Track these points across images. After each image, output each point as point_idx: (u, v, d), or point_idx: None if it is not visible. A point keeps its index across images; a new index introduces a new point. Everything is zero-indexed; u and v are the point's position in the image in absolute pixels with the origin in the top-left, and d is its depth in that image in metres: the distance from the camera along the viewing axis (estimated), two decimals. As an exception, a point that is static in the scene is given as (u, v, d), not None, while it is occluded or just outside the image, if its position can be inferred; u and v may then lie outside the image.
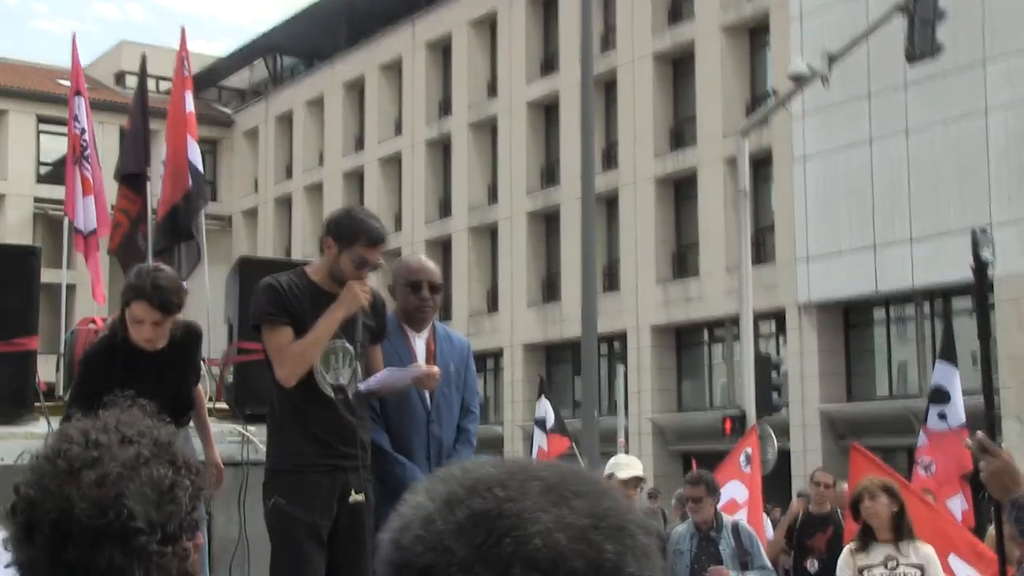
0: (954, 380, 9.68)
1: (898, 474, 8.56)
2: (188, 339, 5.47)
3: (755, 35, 32.00)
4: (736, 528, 7.80)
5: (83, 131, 9.14)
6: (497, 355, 37.35)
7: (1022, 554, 4.83)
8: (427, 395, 5.67)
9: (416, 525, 1.21)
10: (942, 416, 9.67)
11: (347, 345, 5.16)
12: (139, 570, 1.67)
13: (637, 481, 7.20)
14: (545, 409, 14.92)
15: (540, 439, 14.78)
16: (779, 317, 29.72)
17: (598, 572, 1.16)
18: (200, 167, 8.70)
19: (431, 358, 5.71)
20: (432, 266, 5.94)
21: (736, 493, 10.49)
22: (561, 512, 1.18)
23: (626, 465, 7.42)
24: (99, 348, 5.40)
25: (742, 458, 11.09)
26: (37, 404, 6.52)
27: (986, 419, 4.99)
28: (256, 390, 6.28)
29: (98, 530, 1.64)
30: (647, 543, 1.21)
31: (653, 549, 1.22)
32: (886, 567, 6.99)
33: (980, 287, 4.77)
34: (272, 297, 5.10)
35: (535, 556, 1.15)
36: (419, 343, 5.75)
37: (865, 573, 7.03)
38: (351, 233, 5.12)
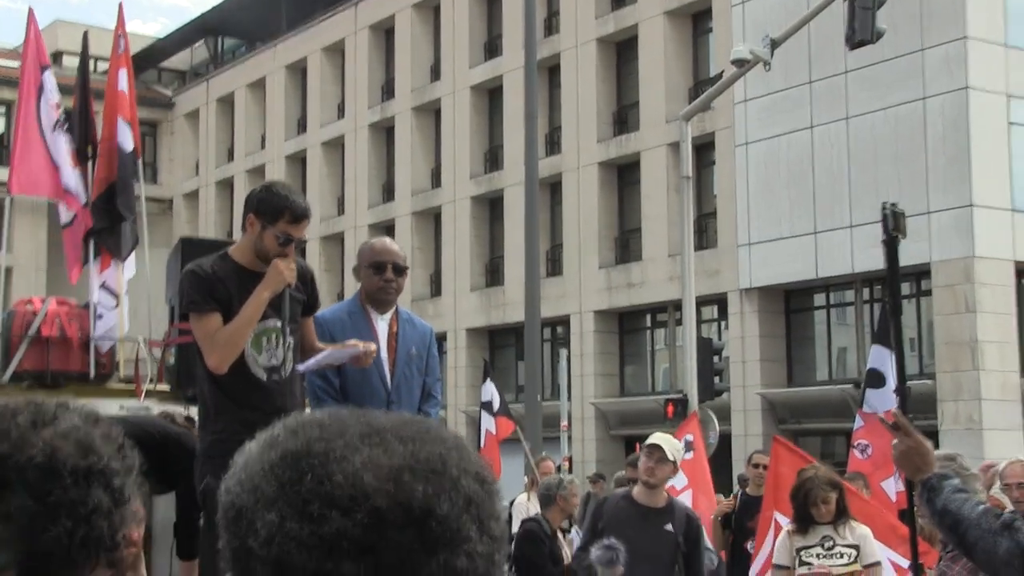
0: (889, 364, 9.77)
1: (812, 459, 8.74)
2: None
3: (698, 20, 32.14)
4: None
5: (58, 104, 8.83)
6: (440, 340, 37.34)
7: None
8: (388, 375, 5.68)
9: (239, 468, 1.23)
10: (866, 402, 9.84)
11: (278, 325, 5.08)
12: (118, 512, 1.69)
13: (654, 449, 7.16)
14: (490, 392, 14.87)
15: (488, 422, 14.71)
16: (721, 302, 29.94)
17: (406, 513, 1.15)
18: (128, 148, 8.46)
19: (392, 340, 5.73)
20: (396, 248, 5.91)
21: (675, 480, 10.55)
22: (374, 452, 1.18)
23: (653, 437, 7.38)
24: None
25: (682, 442, 11.15)
26: (-27, 386, 6.44)
27: (898, 392, 5.02)
28: (197, 372, 6.25)
29: (86, 470, 1.66)
30: (475, 489, 1.20)
31: (481, 496, 1.20)
32: (823, 547, 7.09)
33: (892, 262, 4.83)
34: (197, 285, 4.99)
35: (334, 494, 1.14)
36: (381, 325, 5.76)
37: (803, 554, 7.12)
38: (274, 209, 4.99)
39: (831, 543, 7.10)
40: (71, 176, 8.33)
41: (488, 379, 15.17)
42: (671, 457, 7.19)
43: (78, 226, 8.33)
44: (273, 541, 1.15)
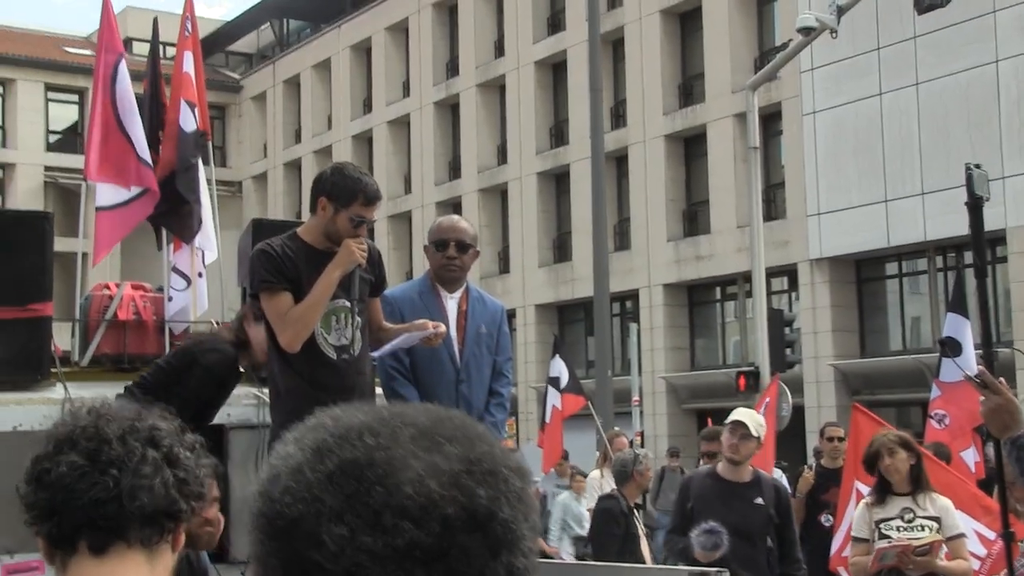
0: (965, 332, 9.63)
1: (892, 427, 8.56)
2: None
3: (763, -11, 31.78)
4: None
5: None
6: (509, 317, 37.32)
7: None
8: (457, 355, 5.67)
9: (286, 476, 1.21)
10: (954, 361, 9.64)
11: (347, 304, 5.09)
12: (174, 471, 2.04)
13: (737, 425, 7.13)
14: (559, 368, 14.83)
15: (554, 398, 14.69)
16: (791, 273, 29.66)
17: (472, 518, 1.17)
18: (188, 128, 8.41)
19: (462, 319, 5.72)
20: (464, 226, 5.86)
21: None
22: (433, 458, 1.18)
23: (737, 413, 7.33)
24: (223, 363, 5.89)
25: (761, 411, 11.09)
26: (53, 370, 6.53)
27: (984, 356, 4.95)
28: (271, 353, 6.30)
29: (130, 429, 2.02)
30: (521, 487, 1.22)
31: (527, 493, 1.23)
32: (903, 519, 6.96)
33: (976, 224, 4.76)
34: (267, 264, 5.02)
35: (405, 504, 1.15)
36: (451, 303, 5.75)
37: (882, 526, 7.00)
38: (349, 192, 5.02)
39: (911, 515, 6.97)
40: (146, 156, 8.27)
41: (557, 355, 15.12)
42: (755, 433, 7.10)
43: (132, 208, 8.23)
44: (343, 554, 1.15)
